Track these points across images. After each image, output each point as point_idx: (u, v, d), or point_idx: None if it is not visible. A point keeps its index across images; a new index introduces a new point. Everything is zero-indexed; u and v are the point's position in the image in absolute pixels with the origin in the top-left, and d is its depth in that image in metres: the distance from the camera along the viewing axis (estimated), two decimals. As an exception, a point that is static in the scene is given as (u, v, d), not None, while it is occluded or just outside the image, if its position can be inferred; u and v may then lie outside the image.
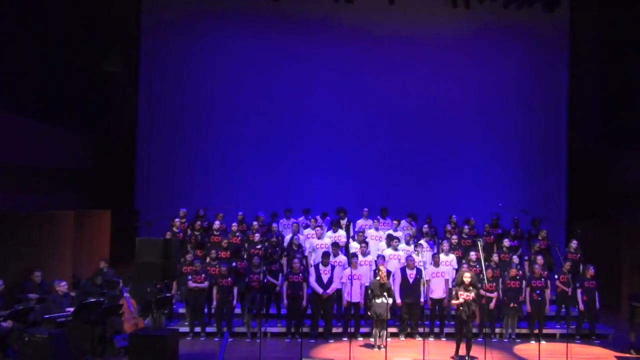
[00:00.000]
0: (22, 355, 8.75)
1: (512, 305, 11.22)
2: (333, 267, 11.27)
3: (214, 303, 11.22)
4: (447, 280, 11.36)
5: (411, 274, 11.16)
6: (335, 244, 11.89)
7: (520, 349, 10.93)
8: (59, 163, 13.15)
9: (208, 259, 11.77)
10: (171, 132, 15.54)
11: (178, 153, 15.49)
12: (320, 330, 11.24)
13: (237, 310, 11.46)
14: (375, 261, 11.34)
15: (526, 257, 12.51)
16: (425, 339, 10.22)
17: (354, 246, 12.04)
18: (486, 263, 11.28)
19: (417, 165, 15.65)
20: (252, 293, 11.05)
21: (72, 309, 9.59)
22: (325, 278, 11.09)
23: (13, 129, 11.39)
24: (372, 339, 10.76)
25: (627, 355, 10.48)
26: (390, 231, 12.69)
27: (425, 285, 11.15)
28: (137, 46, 15.62)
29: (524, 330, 11.51)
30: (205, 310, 11.53)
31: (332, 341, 11.06)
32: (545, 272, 11.44)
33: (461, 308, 9.92)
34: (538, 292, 11.16)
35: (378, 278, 10.57)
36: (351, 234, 12.81)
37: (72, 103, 13.79)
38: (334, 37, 15.78)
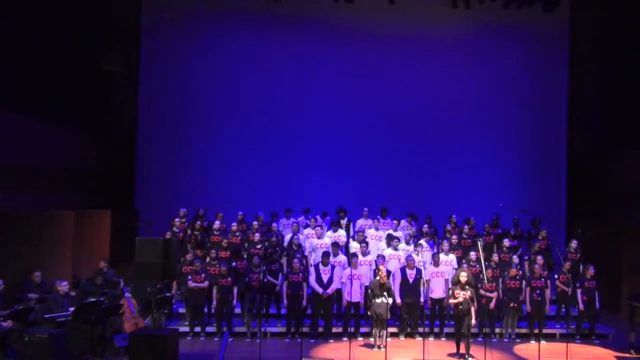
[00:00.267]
0: (22, 355, 8.76)
1: (512, 305, 11.22)
2: (333, 267, 11.27)
3: (214, 303, 11.22)
4: (447, 280, 11.35)
5: (411, 273, 11.16)
6: (335, 244, 11.90)
7: (520, 348, 10.93)
8: (59, 163, 13.15)
9: (208, 259, 11.77)
10: (171, 132, 15.55)
11: (178, 153, 15.50)
12: (320, 330, 11.24)
13: (237, 310, 11.46)
14: (375, 261, 11.34)
15: (526, 257, 12.51)
16: (425, 339, 10.22)
17: (354, 246, 12.05)
18: (486, 263, 11.29)
19: (417, 165, 15.65)
20: (252, 293, 11.06)
21: (72, 309, 9.59)
22: (325, 278, 11.09)
23: (13, 129, 11.39)
24: (372, 339, 10.76)
25: (627, 355, 10.48)
26: (390, 231, 12.69)
27: (425, 285, 11.15)
28: (137, 46, 15.63)
29: (523, 330, 11.51)
30: (205, 310, 11.53)
31: (332, 341, 11.06)
32: (545, 272, 11.44)
33: (460, 307, 9.96)
34: (538, 292, 11.16)
35: (378, 278, 10.58)
36: (351, 233, 12.81)
37: (72, 103, 13.80)
38: (334, 37, 15.79)
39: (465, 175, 15.69)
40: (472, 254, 11.41)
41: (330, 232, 12.64)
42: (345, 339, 10.87)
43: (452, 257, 11.79)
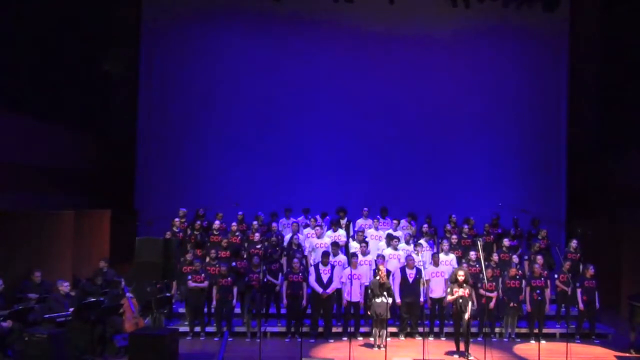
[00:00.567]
0: (22, 355, 8.77)
1: (512, 304, 11.23)
2: (333, 267, 11.27)
3: (214, 303, 11.22)
4: (446, 280, 11.31)
5: (411, 273, 11.16)
6: (335, 244, 11.90)
7: (520, 348, 10.93)
8: (59, 163, 13.15)
9: (208, 259, 11.77)
10: (171, 132, 15.56)
11: (178, 153, 15.51)
12: (320, 329, 11.24)
13: (237, 310, 11.46)
14: (375, 261, 11.34)
15: (526, 257, 12.50)
16: (424, 339, 10.22)
17: (354, 246, 12.05)
18: (486, 263, 11.29)
19: (417, 165, 15.65)
20: (252, 293, 11.07)
21: (72, 309, 9.60)
22: (325, 278, 11.10)
23: (13, 129, 11.39)
24: (371, 339, 10.76)
25: (627, 354, 10.47)
26: (390, 231, 12.69)
27: (425, 285, 11.15)
28: (137, 46, 15.63)
29: (523, 330, 11.52)
30: (205, 310, 11.54)
31: (332, 341, 11.06)
32: (545, 272, 11.44)
33: (461, 301, 9.99)
34: (538, 291, 11.16)
35: (378, 277, 10.58)
36: (351, 233, 12.84)
37: (72, 103, 13.79)
38: (334, 37, 15.79)
39: (465, 175, 15.68)
40: (472, 254, 11.41)
41: (330, 232, 12.64)
42: (345, 338, 10.87)
43: (452, 256, 11.79)
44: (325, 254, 11.35)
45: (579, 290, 11.29)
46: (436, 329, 11.54)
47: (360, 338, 11.20)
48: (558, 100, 16.18)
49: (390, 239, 12.10)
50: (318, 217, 13.21)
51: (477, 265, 11.19)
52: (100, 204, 14.16)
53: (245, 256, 11.95)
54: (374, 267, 11.37)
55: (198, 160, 15.50)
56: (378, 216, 13.27)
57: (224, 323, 11.15)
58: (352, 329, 11.20)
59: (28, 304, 9.50)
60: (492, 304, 11.09)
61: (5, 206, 10.83)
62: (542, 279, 11.23)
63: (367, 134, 15.70)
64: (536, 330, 11.24)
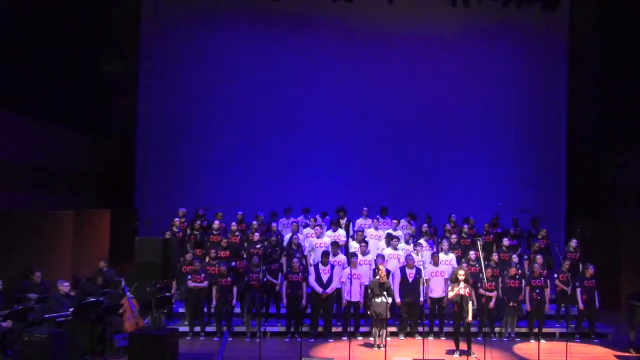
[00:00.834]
0: (21, 355, 8.77)
1: (511, 304, 11.24)
2: (332, 267, 11.28)
3: (214, 302, 11.23)
4: (446, 280, 11.32)
5: (410, 273, 11.17)
6: (334, 243, 11.90)
7: (520, 348, 10.94)
8: (59, 163, 13.14)
9: (207, 259, 11.78)
10: (171, 132, 15.54)
11: (178, 153, 15.49)
12: (320, 329, 11.25)
13: (237, 310, 11.48)
14: (375, 260, 11.34)
15: (526, 256, 12.50)
16: (424, 338, 10.20)
17: (354, 245, 12.06)
18: (486, 262, 11.29)
19: (416, 165, 15.64)
20: (252, 292, 11.07)
21: (72, 309, 9.61)
22: (324, 277, 11.10)
23: (13, 128, 11.38)
24: (371, 338, 10.77)
25: (627, 354, 10.49)
26: (390, 230, 12.69)
27: (425, 285, 11.17)
28: (137, 47, 15.62)
29: (523, 330, 11.52)
30: (205, 309, 11.55)
31: (331, 340, 11.07)
32: (545, 271, 11.45)
33: (461, 301, 9.99)
34: (537, 291, 11.17)
35: (377, 277, 10.58)
36: (351, 233, 12.83)
37: (71, 103, 13.78)
38: (333, 37, 15.77)
39: (464, 175, 15.67)
40: (472, 254, 11.42)
41: (329, 232, 12.64)
42: (344, 338, 10.88)
43: (451, 256, 11.80)
44: (325, 254, 11.35)
45: (578, 290, 11.30)
46: (436, 329, 11.55)
47: (360, 338, 11.21)
48: (558, 99, 16.16)
49: (390, 239, 12.10)
50: (318, 216, 13.21)
51: (477, 265, 11.19)
52: (100, 204, 14.16)
53: (245, 256, 11.96)
54: (373, 266, 11.37)
55: (198, 160, 15.48)
56: (378, 216, 13.28)
57: (224, 323, 11.16)
58: (352, 329, 11.20)
59: (28, 304, 9.52)
60: (491, 304, 11.10)
61: (4, 206, 10.83)
62: (542, 278, 11.24)
63: (367, 133, 15.69)
64: (536, 330, 11.24)
